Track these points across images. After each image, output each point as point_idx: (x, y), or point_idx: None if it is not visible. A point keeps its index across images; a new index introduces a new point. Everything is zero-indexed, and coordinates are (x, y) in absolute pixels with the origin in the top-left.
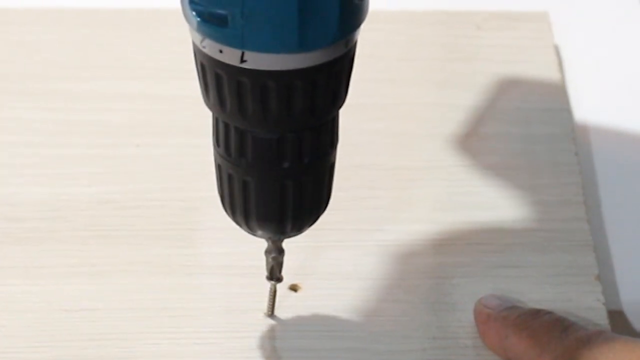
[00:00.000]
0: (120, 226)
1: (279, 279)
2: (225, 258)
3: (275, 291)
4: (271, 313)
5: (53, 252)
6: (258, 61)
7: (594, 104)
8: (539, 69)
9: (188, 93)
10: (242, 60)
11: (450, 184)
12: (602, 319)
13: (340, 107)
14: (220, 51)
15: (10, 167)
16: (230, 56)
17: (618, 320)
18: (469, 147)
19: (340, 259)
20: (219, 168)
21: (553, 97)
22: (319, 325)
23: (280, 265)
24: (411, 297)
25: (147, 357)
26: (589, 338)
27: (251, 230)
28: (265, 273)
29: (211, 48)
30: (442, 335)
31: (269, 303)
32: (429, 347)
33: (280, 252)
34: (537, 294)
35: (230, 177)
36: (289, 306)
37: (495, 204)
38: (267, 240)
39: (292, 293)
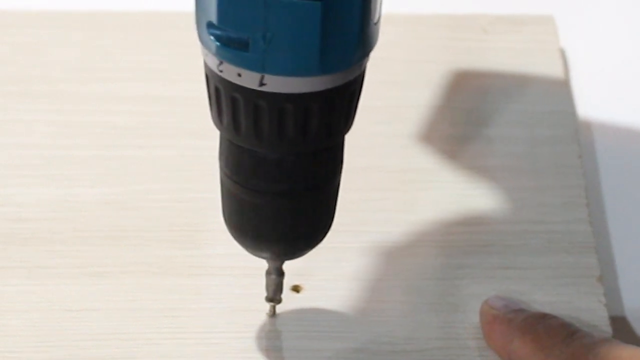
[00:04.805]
0: (123, 227)
1: (279, 301)
2: (228, 259)
3: (274, 311)
4: (272, 314)
5: (56, 252)
6: (277, 84)
7: (598, 107)
8: (544, 72)
9: (191, 95)
10: (262, 84)
11: (455, 185)
12: (603, 321)
13: (350, 128)
14: (239, 75)
15: (13, 168)
16: (248, 80)
17: (621, 327)
18: (474, 149)
19: (342, 260)
20: (226, 190)
21: (558, 100)
22: (321, 326)
23: (280, 287)
24: (413, 298)
25: (149, 358)
26: (595, 345)
27: (256, 251)
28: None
29: (229, 72)
30: (444, 336)
31: (270, 310)
32: (430, 347)
33: (281, 274)
34: (538, 295)
35: (238, 198)
36: (291, 307)
37: (498, 206)
38: (268, 262)
39: (295, 294)
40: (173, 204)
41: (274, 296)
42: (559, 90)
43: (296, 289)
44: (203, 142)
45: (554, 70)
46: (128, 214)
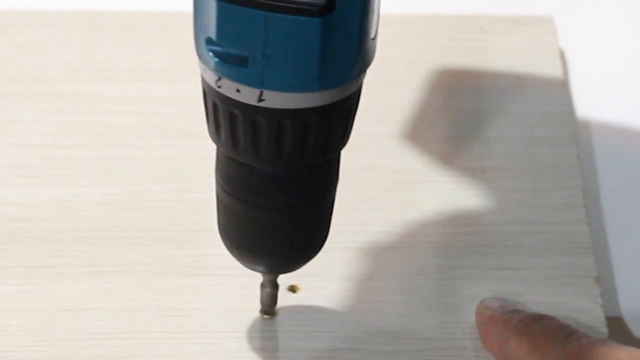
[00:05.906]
0: (122, 227)
1: (273, 313)
2: (228, 259)
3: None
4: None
5: (56, 252)
6: (276, 100)
7: (597, 108)
8: (543, 72)
9: (191, 95)
10: (260, 100)
11: (452, 186)
12: (600, 322)
13: (346, 143)
14: (238, 90)
15: (13, 168)
16: (247, 95)
17: (617, 327)
18: (472, 149)
19: (339, 260)
20: (222, 203)
21: (557, 101)
22: (317, 326)
23: (274, 300)
24: (410, 298)
25: (149, 357)
26: (592, 346)
27: (251, 265)
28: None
29: (227, 88)
30: (441, 337)
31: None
32: (427, 348)
33: (275, 287)
34: (535, 295)
35: (233, 212)
36: (287, 307)
37: (495, 206)
38: (262, 274)
39: (291, 294)
40: (173, 204)
41: (269, 309)
42: (557, 91)
43: (293, 289)
44: (203, 142)
45: (553, 70)
46: (128, 214)
